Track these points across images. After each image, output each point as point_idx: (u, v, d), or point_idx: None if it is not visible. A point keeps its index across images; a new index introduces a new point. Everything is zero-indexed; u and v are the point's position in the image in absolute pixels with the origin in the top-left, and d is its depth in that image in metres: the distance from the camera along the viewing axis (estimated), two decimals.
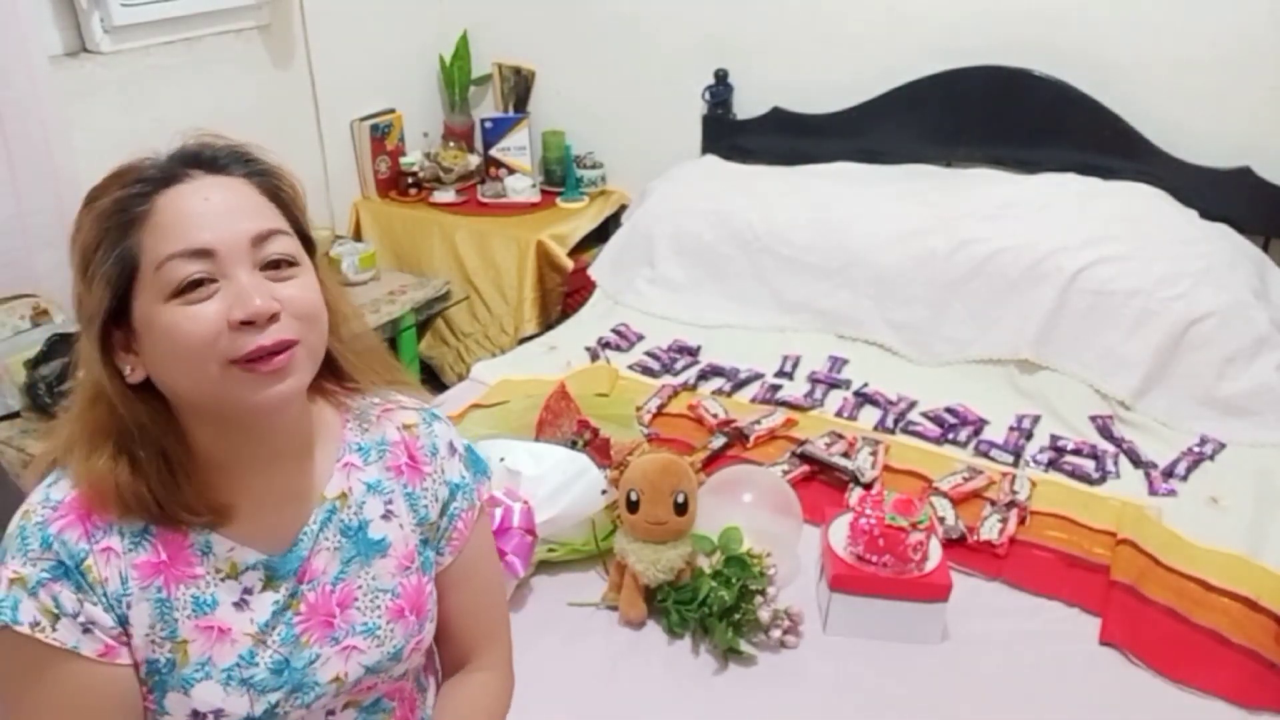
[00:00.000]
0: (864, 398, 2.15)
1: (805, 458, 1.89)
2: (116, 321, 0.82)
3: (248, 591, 0.88)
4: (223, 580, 0.87)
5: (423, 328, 2.96)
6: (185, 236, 0.80)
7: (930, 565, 1.49)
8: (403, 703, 1.00)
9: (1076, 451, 1.96)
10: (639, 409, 2.04)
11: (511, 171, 3.13)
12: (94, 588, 0.82)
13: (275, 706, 0.88)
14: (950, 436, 2.02)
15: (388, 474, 0.97)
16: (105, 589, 0.82)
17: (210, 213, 0.81)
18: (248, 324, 0.79)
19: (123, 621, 0.84)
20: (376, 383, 0.98)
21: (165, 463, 0.84)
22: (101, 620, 0.82)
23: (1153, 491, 1.85)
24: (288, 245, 0.85)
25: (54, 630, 0.81)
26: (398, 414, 1.00)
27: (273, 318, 0.80)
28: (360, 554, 0.94)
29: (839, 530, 1.56)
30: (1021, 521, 1.73)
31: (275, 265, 0.83)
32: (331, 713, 0.94)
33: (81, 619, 0.82)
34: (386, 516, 0.96)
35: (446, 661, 1.08)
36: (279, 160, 0.90)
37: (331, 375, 0.93)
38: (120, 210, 0.81)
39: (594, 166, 3.08)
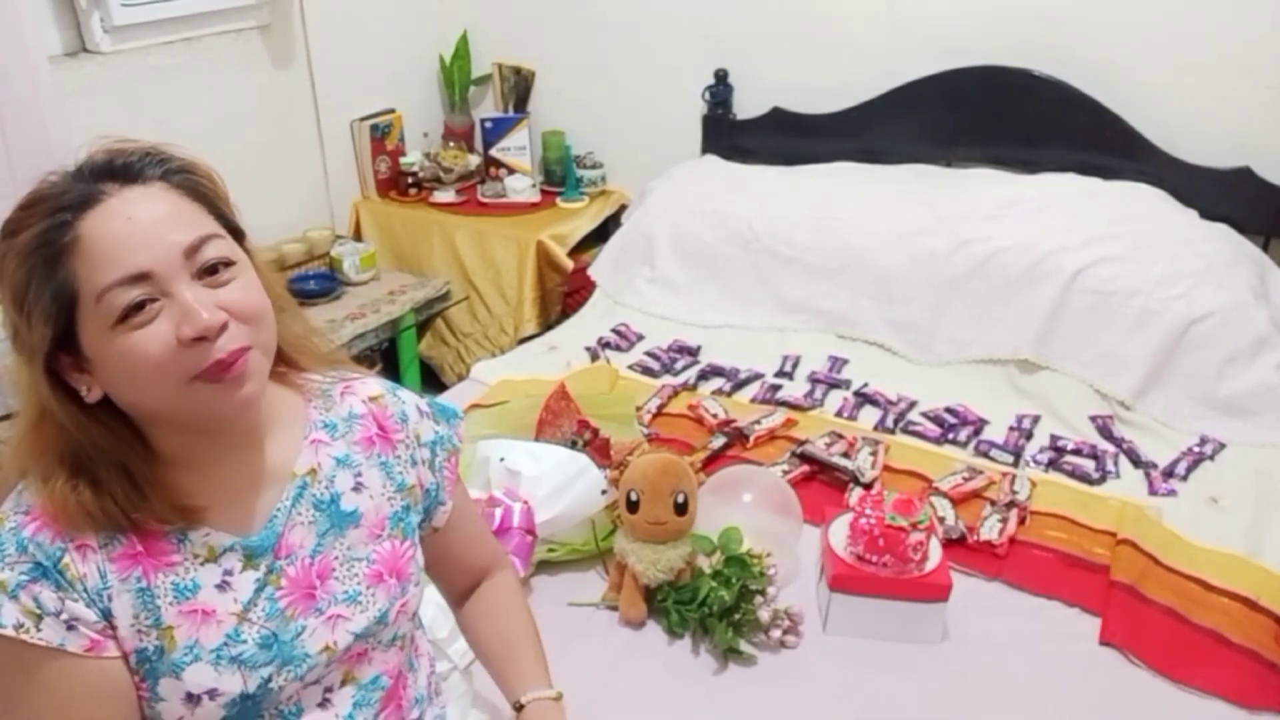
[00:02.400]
0: (864, 398, 2.15)
1: (805, 458, 1.89)
2: (63, 346, 0.81)
3: (228, 573, 0.89)
4: (202, 564, 0.88)
5: (423, 328, 2.96)
6: (118, 263, 0.78)
7: (930, 565, 1.49)
8: (396, 680, 1.02)
9: (1076, 451, 1.96)
10: (639, 409, 2.04)
11: (511, 171, 3.13)
12: (74, 585, 0.83)
13: (269, 681, 0.89)
14: (950, 436, 2.02)
15: (355, 447, 0.99)
16: (85, 585, 0.83)
17: (137, 232, 0.80)
18: (199, 340, 0.79)
19: (106, 615, 0.84)
20: (317, 362, 1.00)
21: (128, 477, 0.84)
22: (84, 616, 0.83)
23: (1153, 491, 1.85)
24: (221, 248, 0.84)
25: (38, 630, 0.81)
26: (361, 388, 1.03)
27: (222, 327, 0.81)
28: (334, 526, 0.96)
29: (839, 530, 1.56)
30: (1021, 521, 1.73)
31: (213, 270, 0.83)
32: (329, 689, 0.96)
33: (65, 617, 0.82)
34: (357, 489, 0.98)
35: (462, 590, 1.18)
36: (192, 155, 0.88)
37: (279, 359, 0.94)
38: (44, 244, 0.79)
39: (594, 166, 3.08)
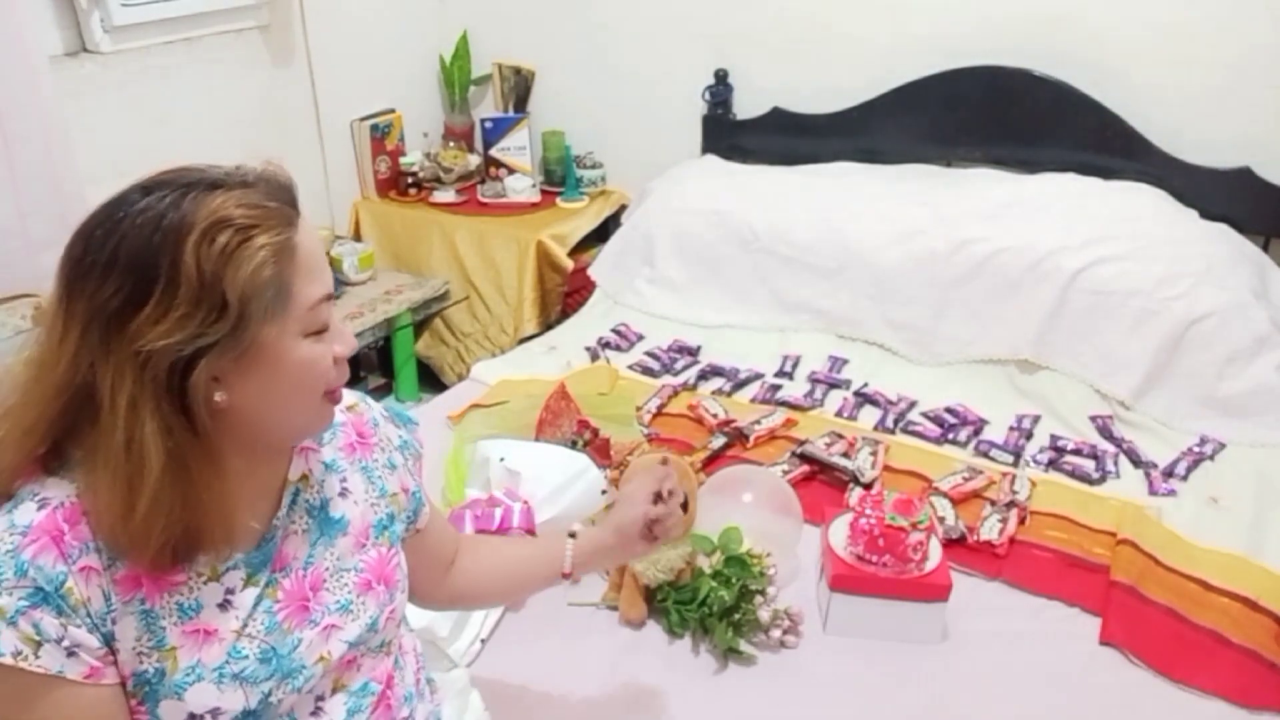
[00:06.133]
0: (864, 398, 2.15)
1: (805, 458, 1.89)
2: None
3: (230, 591, 0.89)
4: (205, 584, 0.88)
5: (422, 328, 2.97)
6: (323, 279, 0.86)
7: (930, 565, 1.49)
8: (386, 684, 1.02)
9: (1076, 451, 1.96)
10: (639, 409, 2.04)
11: (511, 171, 3.13)
12: (76, 610, 0.81)
13: (269, 696, 0.89)
14: (950, 436, 2.02)
15: (340, 453, 1.02)
16: (89, 609, 0.81)
17: (322, 255, 0.87)
18: (339, 358, 0.88)
19: (108, 639, 0.83)
20: None
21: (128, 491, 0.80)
22: (86, 642, 0.82)
23: (1153, 491, 1.85)
24: None
25: (37, 658, 0.79)
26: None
27: None
28: (324, 534, 0.97)
29: (839, 530, 1.56)
30: (1021, 521, 1.73)
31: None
32: (321, 698, 0.96)
33: (66, 643, 0.81)
34: (343, 494, 1.00)
35: (440, 583, 1.18)
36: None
37: None
38: (281, 249, 0.80)
39: (594, 166, 3.08)
